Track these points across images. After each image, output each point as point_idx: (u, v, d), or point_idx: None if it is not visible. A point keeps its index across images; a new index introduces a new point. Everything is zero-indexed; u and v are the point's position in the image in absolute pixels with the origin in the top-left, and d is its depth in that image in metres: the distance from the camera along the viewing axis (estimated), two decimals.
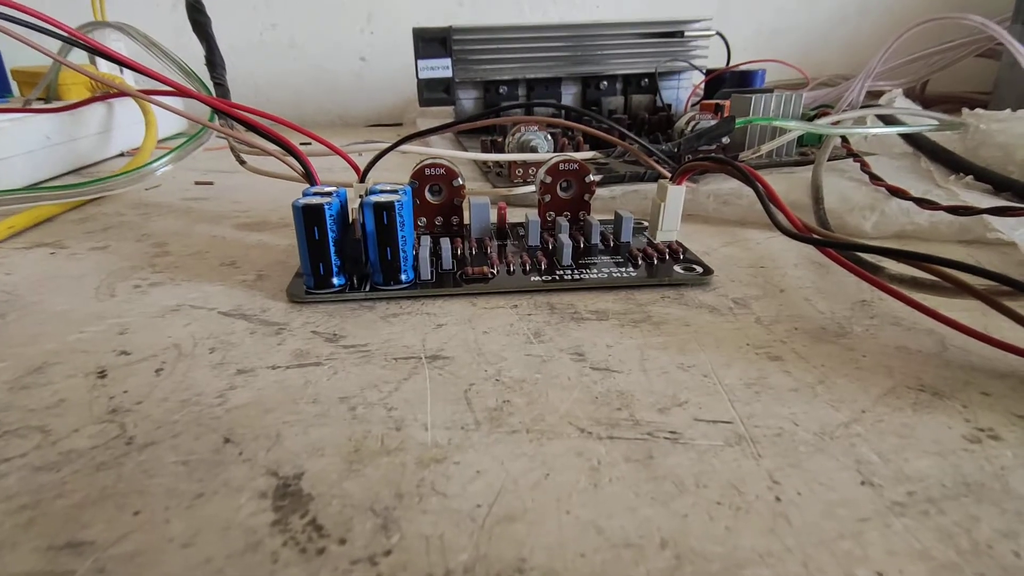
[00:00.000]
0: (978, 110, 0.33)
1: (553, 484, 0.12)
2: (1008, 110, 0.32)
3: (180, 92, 0.19)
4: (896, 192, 0.26)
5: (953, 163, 0.31)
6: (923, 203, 0.25)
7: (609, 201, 0.30)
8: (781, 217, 0.19)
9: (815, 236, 0.18)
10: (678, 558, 0.10)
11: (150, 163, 0.32)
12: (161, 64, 0.44)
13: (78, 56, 0.43)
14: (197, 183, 0.38)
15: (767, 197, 0.19)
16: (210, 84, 0.33)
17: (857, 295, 0.20)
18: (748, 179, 0.19)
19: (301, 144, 0.23)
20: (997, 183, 0.28)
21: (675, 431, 0.13)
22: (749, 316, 0.19)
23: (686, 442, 0.13)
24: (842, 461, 0.12)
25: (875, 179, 0.28)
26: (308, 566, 0.10)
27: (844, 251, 0.19)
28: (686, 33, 0.45)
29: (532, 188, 0.31)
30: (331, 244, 0.19)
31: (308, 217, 0.18)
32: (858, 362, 0.16)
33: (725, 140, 0.33)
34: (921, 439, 0.13)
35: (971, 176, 0.29)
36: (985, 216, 0.23)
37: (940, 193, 0.27)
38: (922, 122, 0.32)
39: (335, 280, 0.19)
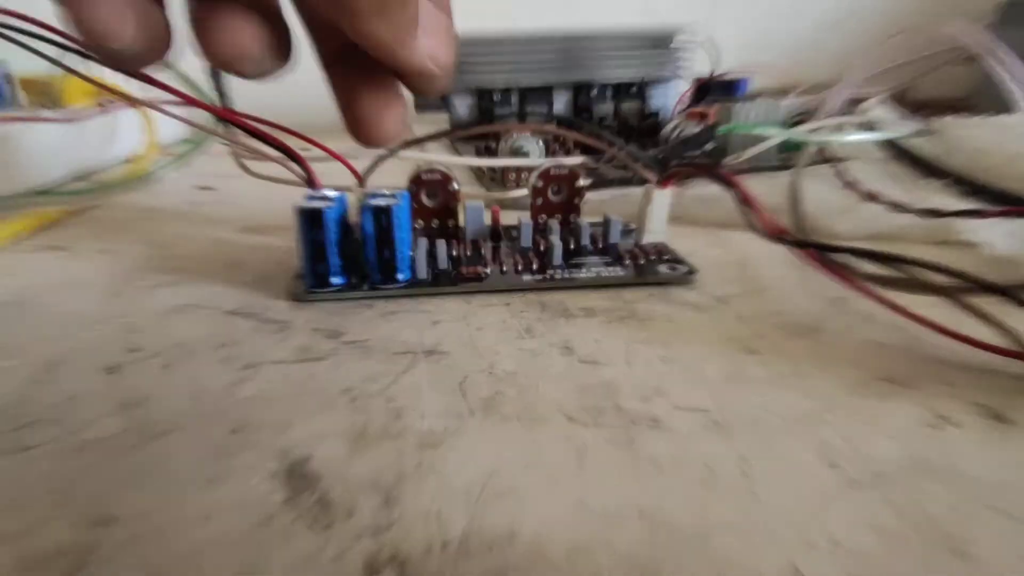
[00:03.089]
0: (950, 116, 0.34)
1: (542, 466, 0.12)
2: (980, 116, 0.33)
3: (187, 101, 0.20)
4: (871, 196, 0.27)
5: (927, 168, 0.32)
6: (898, 206, 0.26)
7: (599, 205, 0.31)
8: (756, 219, 0.20)
9: (787, 237, 0.19)
10: (653, 528, 0.11)
11: (151, 170, 0.33)
12: (163, 71, 0.45)
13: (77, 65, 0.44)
14: (199, 188, 0.39)
15: (743, 200, 0.20)
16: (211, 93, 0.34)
17: (835, 293, 0.21)
18: (726, 183, 0.21)
19: (301, 151, 0.24)
20: (969, 187, 0.30)
21: (655, 418, 0.14)
22: (730, 313, 0.20)
23: (665, 428, 0.14)
24: (808, 444, 0.13)
25: (850, 184, 0.29)
26: (317, 538, 0.11)
27: (816, 251, 0.20)
28: (673, 41, 0.47)
29: (524, 192, 0.32)
30: (331, 245, 0.20)
31: (308, 220, 0.19)
32: (830, 355, 0.17)
33: (709, 146, 0.34)
34: (884, 425, 0.14)
35: (944, 180, 0.31)
36: (954, 218, 0.24)
37: (913, 197, 0.29)
38: (894, 130, 0.34)
39: (335, 280, 0.20)
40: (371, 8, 0.14)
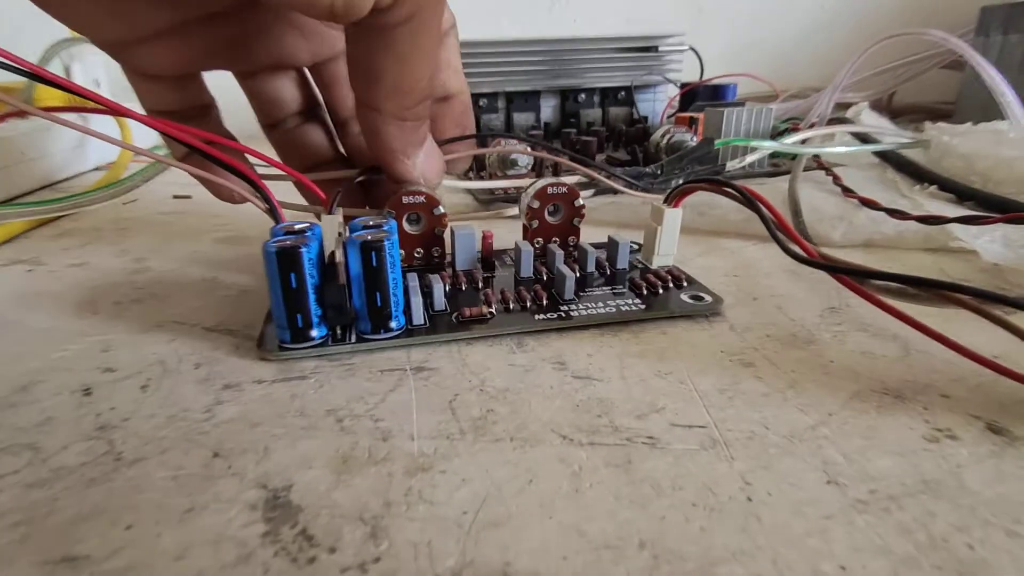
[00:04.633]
0: (941, 123, 0.34)
1: (536, 490, 0.12)
2: (969, 123, 0.34)
3: (116, 112, 0.17)
4: (868, 203, 0.27)
5: (917, 174, 0.32)
6: (893, 213, 0.26)
7: (591, 211, 0.30)
8: (792, 244, 0.18)
9: (828, 263, 0.18)
10: (656, 558, 0.10)
11: (125, 178, 0.32)
12: None
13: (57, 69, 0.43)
14: (175, 197, 0.38)
15: (775, 224, 0.19)
16: None
17: (826, 302, 0.21)
18: (751, 202, 0.19)
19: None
20: (960, 193, 0.30)
21: (652, 436, 0.14)
22: (723, 324, 0.19)
23: (663, 447, 0.13)
24: (809, 462, 0.13)
25: (848, 191, 0.29)
26: (299, 575, 0.10)
27: (859, 279, 0.18)
28: (660, 48, 0.46)
29: (515, 211, 0.31)
30: (311, 291, 0.16)
31: (283, 263, 0.16)
32: (826, 367, 0.17)
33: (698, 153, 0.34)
34: (884, 440, 0.13)
35: (935, 186, 0.31)
36: (949, 225, 0.24)
37: (905, 203, 0.29)
38: (890, 140, 0.34)
39: (315, 332, 0.17)
40: (391, 118, 0.18)
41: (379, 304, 0.17)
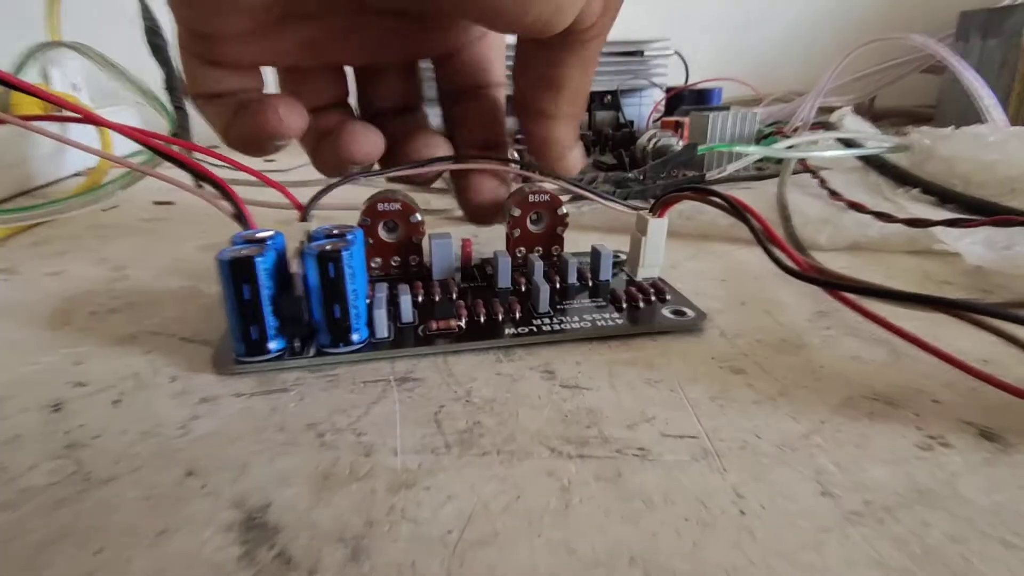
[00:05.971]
0: (923, 127, 0.35)
1: (524, 506, 0.12)
2: (951, 127, 0.34)
3: (92, 120, 0.17)
4: (854, 206, 0.27)
5: (900, 177, 0.32)
6: (879, 216, 0.26)
7: (577, 216, 0.30)
8: (783, 257, 0.18)
9: (818, 277, 0.18)
10: (647, 575, 0.10)
11: (104, 184, 0.32)
12: (118, 83, 0.43)
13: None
14: (156, 203, 0.38)
15: (764, 236, 0.18)
16: (170, 106, 0.32)
17: (815, 306, 0.21)
18: (738, 212, 0.19)
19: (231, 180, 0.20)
20: (942, 195, 0.30)
21: (643, 447, 0.13)
22: (713, 329, 0.19)
23: (654, 458, 0.13)
24: (802, 472, 0.12)
25: (834, 194, 0.29)
26: None
27: (858, 295, 0.17)
28: (646, 52, 0.47)
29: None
30: (266, 303, 0.16)
31: (236, 272, 0.15)
32: (816, 373, 0.16)
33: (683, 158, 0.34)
34: (876, 448, 0.13)
35: (917, 189, 0.31)
36: (933, 228, 0.24)
37: (889, 206, 0.29)
38: (873, 144, 0.34)
39: (271, 345, 0.16)
40: (568, 119, 0.20)
41: (338, 317, 0.16)
